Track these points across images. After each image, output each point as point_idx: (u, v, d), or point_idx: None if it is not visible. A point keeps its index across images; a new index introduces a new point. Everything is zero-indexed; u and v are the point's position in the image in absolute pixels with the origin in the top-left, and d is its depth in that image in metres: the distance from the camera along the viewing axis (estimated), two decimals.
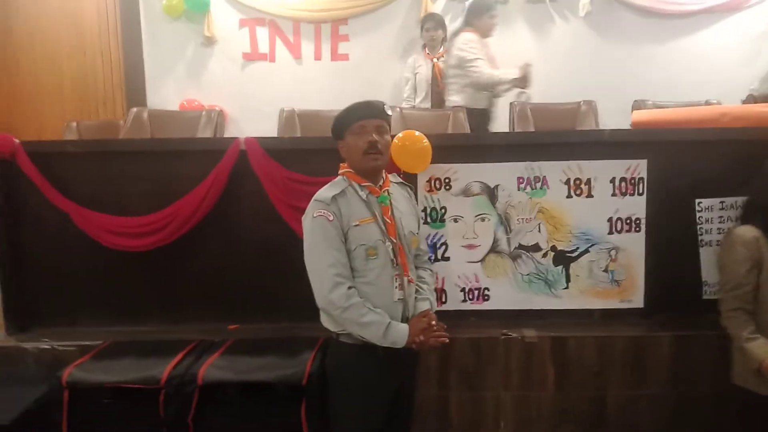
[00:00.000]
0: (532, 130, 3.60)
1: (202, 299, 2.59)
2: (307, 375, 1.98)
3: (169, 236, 2.45)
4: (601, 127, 3.82)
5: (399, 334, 1.82)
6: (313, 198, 1.88)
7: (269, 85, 4.80)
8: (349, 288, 1.81)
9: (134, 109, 3.64)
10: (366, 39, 4.86)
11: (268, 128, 4.01)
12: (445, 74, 3.93)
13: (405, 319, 1.90)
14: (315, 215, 1.83)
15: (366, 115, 1.88)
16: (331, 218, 1.81)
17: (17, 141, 2.47)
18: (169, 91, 4.84)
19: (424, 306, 1.97)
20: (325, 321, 1.91)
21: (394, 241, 1.89)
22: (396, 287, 1.88)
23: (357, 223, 1.85)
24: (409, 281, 1.93)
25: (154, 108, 4.58)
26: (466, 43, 3.66)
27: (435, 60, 4.23)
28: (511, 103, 3.93)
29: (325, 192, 1.88)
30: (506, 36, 4.48)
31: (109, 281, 2.58)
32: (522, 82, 3.64)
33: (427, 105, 4.22)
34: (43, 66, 4.92)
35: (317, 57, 4.87)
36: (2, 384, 2.19)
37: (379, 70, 4.84)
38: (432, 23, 4.27)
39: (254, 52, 4.85)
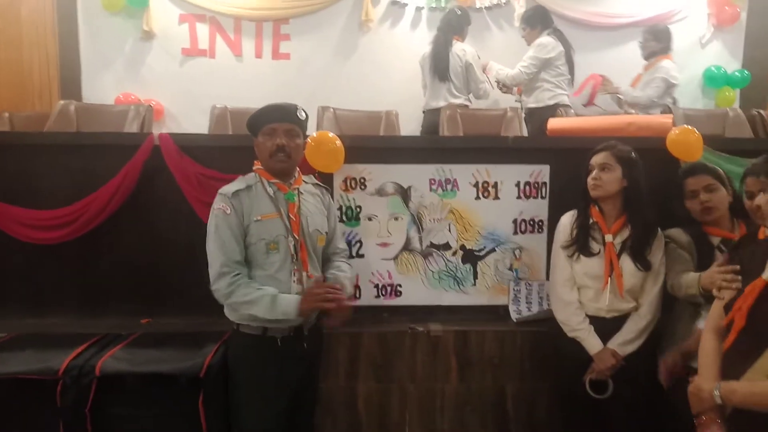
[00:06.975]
0: (461, 134, 3.71)
1: (117, 293, 2.59)
2: (206, 367, 2.01)
3: (80, 229, 2.45)
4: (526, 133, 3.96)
5: (288, 304, 1.87)
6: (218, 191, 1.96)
7: (208, 81, 4.78)
8: (234, 276, 1.88)
9: (61, 102, 3.58)
10: (308, 39, 4.90)
11: (206, 125, 4.01)
12: None
13: None
14: (214, 207, 1.94)
15: (277, 119, 1.96)
16: (228, 212, 1.90)
17: None
18: (105, 85, 4.76)
19: None
20: (227, 312, 1.98)
21: (297, 237, 1.96)
22: (294, 281, 1.96)
23: (258, 218, 1.93)
24: (309, 276, 2.00)
25: (89, 102, 4.53)
26: None
27: None
28: (441, 108, 4.05)
29: (229, 186, 1.96)
30: None
31: (22, 274, 2.55)
32: None
33: None
34: None
35: (258, 55, 4.88)
36: None
37: (320, 70, 4.88)
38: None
39: (194, 48, 4.83)
